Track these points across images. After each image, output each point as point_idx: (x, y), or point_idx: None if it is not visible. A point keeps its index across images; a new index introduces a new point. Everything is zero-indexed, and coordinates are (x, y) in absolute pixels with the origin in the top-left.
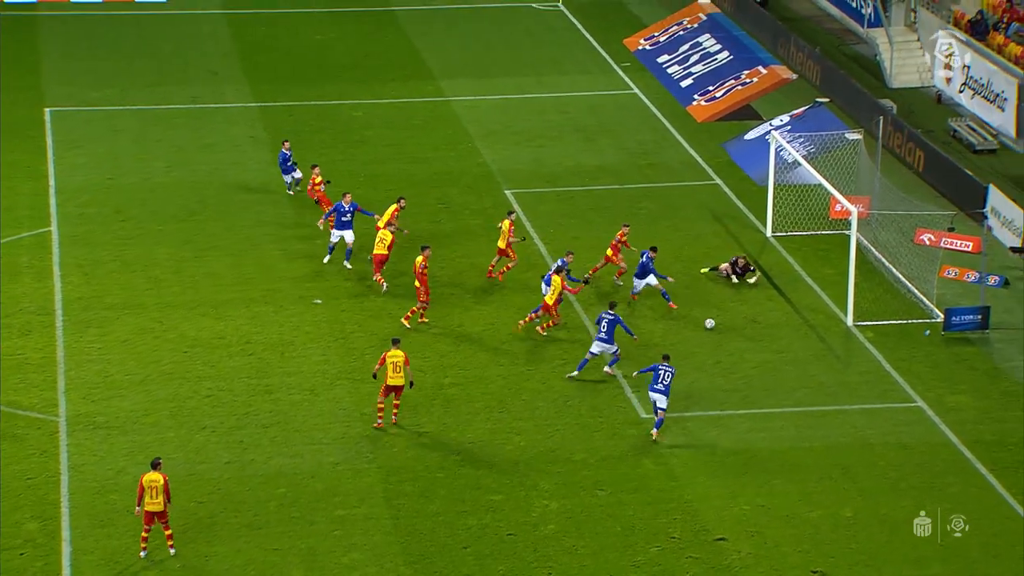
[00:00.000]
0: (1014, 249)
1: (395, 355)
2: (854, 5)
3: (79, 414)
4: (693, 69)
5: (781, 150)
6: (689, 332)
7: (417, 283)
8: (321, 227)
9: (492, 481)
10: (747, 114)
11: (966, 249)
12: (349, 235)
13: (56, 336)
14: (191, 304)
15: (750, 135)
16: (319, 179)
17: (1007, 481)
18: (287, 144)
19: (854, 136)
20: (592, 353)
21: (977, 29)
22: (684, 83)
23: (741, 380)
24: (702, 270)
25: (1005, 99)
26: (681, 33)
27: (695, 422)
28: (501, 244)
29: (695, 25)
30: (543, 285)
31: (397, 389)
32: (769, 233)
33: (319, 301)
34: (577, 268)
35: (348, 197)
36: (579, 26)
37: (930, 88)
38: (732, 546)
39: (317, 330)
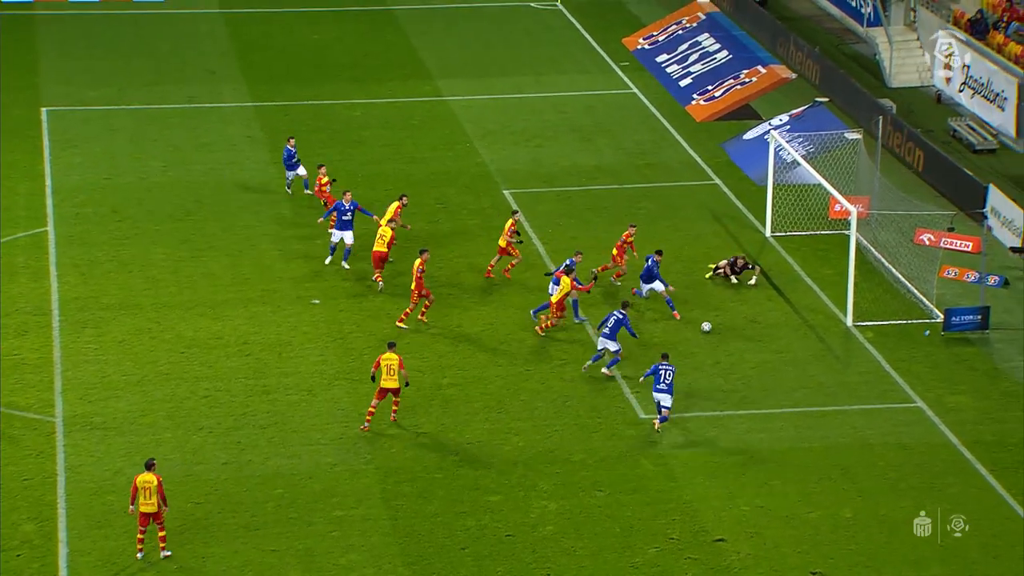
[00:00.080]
0: (1014, 249)
1: (389, 358)
2: (853, 4)
3: (76, 415)
4: (692, 69)
5: (780, 150)
6: (689, 332)
7: (412, 285)
8: (321, 224)
9: (490, 482)
10: (746, 114)
11: (966, 249)
12: (349, 236)
13: (53, 336)
14: (188, 304)
15: (749, 135)
16: (325, 179)
17: (1007, 482)
18: (292, 141)
19: (853, 136)
20: (599, 349)
21: (977, 28)
22: (683, 83)
23: (740, 380)
24: (706, 276)
25: (1005, 99)
26: (680, 32)
27: (694, 422)
28: (502, 243)
29: (694, 24)
30: (551, 285)
31: (392, 391)
32: (768, 233)
33: (317, 301)
34: (579, 269)
35: (348, 195)
36: (577, 25)
37: (930, 88)
38: (731, 547)
39: (315, 330)
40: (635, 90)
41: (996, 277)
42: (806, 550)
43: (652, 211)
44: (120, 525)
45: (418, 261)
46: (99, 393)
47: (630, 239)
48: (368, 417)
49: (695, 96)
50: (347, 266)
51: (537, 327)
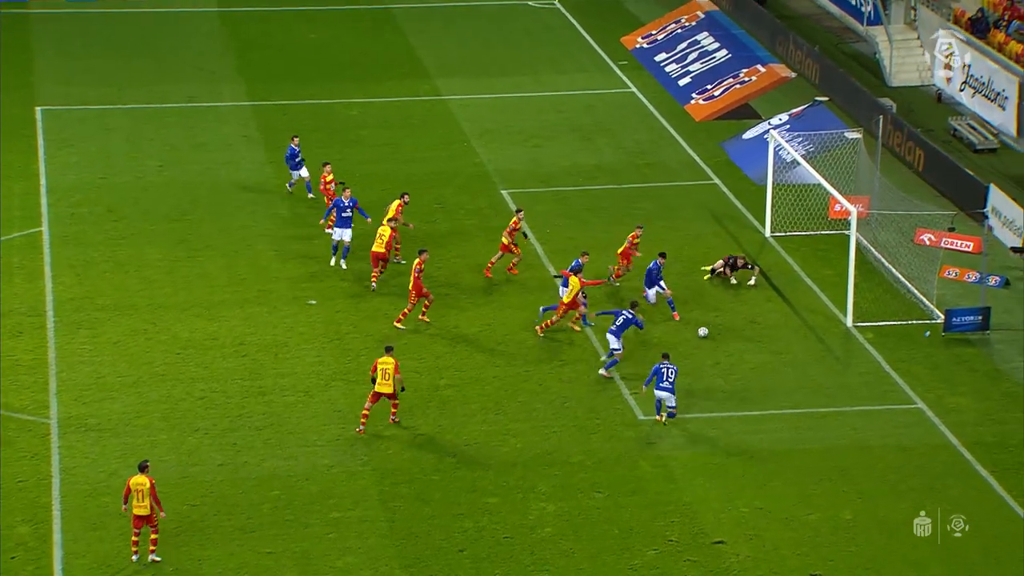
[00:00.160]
0: (1015, 249)
1: (385, 362)
2: (853, 3)
3: (71, 416)
4: (691, 68)
5: (780, 149)
6: (688, 333)
7: (411, 285)
8: (322, 224)
9: (488, 483)
10: (746, 113)
11: (966, 249)
12: (347, 234)
13: (47, 337)
14: (184, 305)
15: (749, 134)
16: (330, 177)
17: (1008, 483)
18: (296, 140)
19: (853, 135)
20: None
21: (977, 27)
22: (682, 82)
23: (740, 381)
24: (705, 278)
25: (1006, 98)
26: (679, 31)
27: (694, 423)
28: (504, 240)
29: (693, 23)
30: (561, 288)
31: (387, 396)
32: (768, 233)
33: (313, 302)
34: (587, 269)
35: (348, 192)
36: (576, 24)
37: (930, 87)
38: (730, 549)
39: (312, 331)
40: (634, 89)
41: (997, 277)
42: (806, 552)
43: (651, 211)
44: (115, 527)
45: (416, 261)
46: (94, 394)
47: (636, 240)
48: (363, 420)
49: (694, 95)
50: (344, 266)
51: (537, 327)
